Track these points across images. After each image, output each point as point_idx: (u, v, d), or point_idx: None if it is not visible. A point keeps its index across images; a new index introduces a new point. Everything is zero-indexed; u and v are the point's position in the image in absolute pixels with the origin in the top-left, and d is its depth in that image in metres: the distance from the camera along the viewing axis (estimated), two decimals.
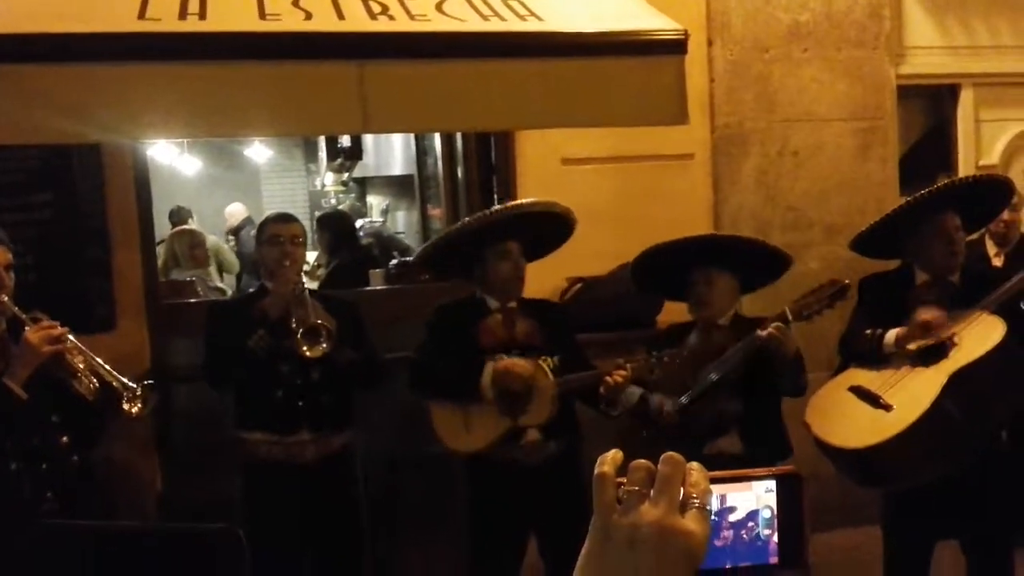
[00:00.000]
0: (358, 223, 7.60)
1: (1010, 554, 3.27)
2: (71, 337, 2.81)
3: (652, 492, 0.78)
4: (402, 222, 8.80)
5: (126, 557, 1.40)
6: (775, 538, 1.13)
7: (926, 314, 3.15)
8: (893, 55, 4.85)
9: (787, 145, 4.73)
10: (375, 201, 9.57)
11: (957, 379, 3.04)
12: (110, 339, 3.98)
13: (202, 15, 2.99)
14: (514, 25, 3.13)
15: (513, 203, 3.31)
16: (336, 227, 5.83)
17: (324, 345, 3.17)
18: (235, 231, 8.62)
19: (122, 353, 3.99)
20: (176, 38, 2.90)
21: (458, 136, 5.04)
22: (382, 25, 3.03)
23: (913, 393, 3.09)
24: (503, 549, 3.32)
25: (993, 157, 5.18)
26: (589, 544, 0.79)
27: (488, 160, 4.65)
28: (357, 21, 3.03)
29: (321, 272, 6.11)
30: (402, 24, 3.05)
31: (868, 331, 3.24)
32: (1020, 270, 3.26)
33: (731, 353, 3.19)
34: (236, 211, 8.88)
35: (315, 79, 3.00)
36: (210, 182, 10.37)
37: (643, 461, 0.80)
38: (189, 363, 4.12)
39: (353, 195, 10.25)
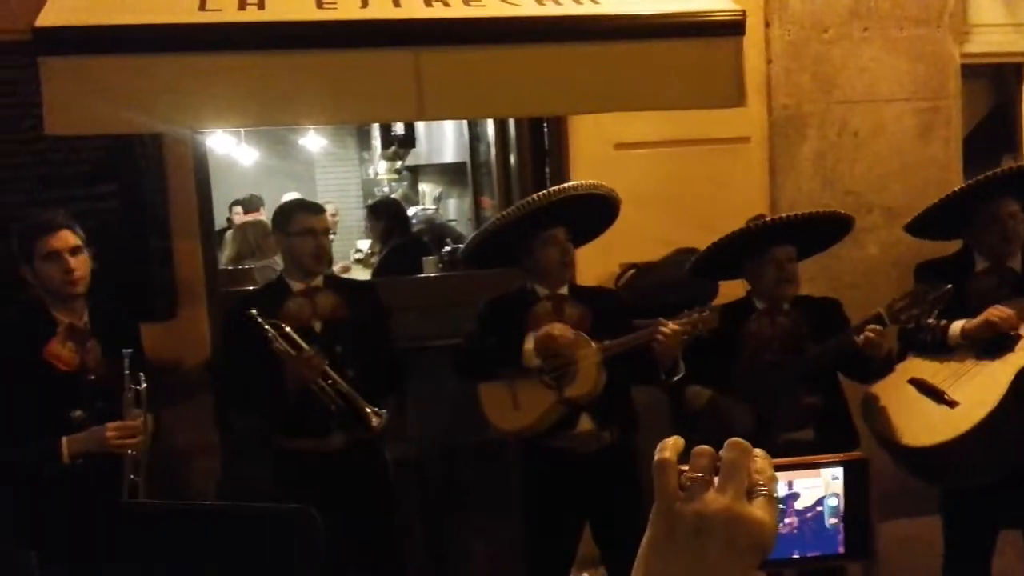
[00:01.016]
0: (410, 211, 7.64)
1: None
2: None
3: (717, 479, 0.76)
4: (454, 210, 8.82)
5: (203, 536, 1.43)
6: (842, 527, 1.10)
7: (1000, 312, 3.07)
8: (957, 33, 4.72)
9: (846, 127, 4.63)
10: (427, 189, 9.61)
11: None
12: (172, 327, 4.06)
13: (261, 5, 3.03)
14: (569, 9, 3.12)
15: (555, 188, 3.27)
16: (389, 215, 5.87)
17: (373, 423, 3.17)
18: None
19: (184, 341, 4.09)
20: (236, 28, 2.94)
21: (511, 123, 5.03)
22: (437, 12, 3.04)
23: (978, 389, 3.01)
24: (557, 537, 3.32)
25: None
26: (651, 532, 0.77)
27: (541, 146, 4.63)
28: (413, 8, 3.04)
29: (375, 260, 6.16)
30: (457, 10, 3.05)
31: (932, 321, 3.16)
32: None
33: (823, 349, 3.13)
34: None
35: (371, 67, 3.02)
36: (266, 171, 10.50)
37: (706, 447, 0.78)
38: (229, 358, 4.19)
39: (406, 183, 10.30)
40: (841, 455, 1.09)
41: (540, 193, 3.26)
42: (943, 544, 3.33)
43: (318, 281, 3.34)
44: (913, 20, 4.63)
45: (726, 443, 0.77)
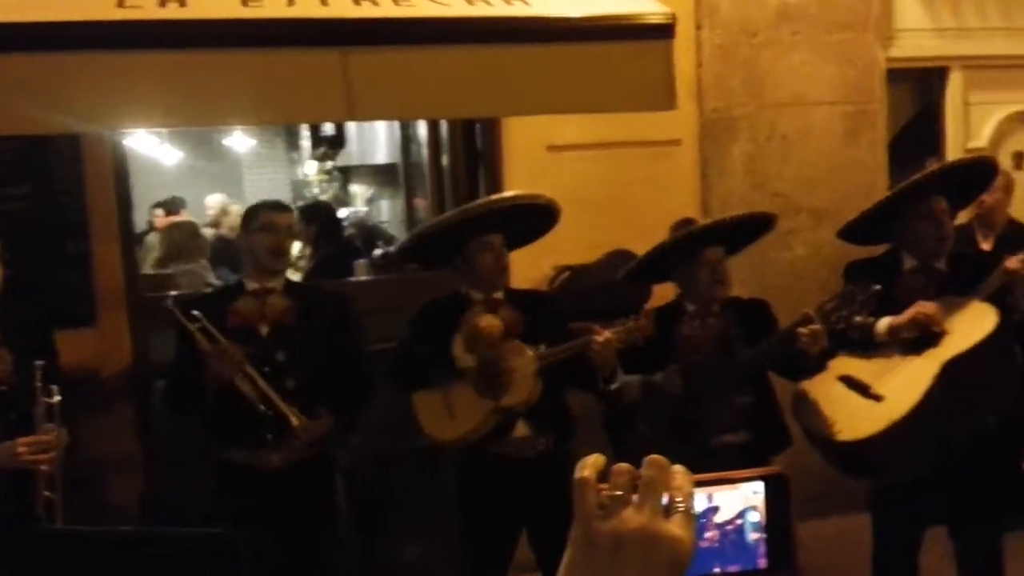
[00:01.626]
0: (342, 212, 7.53)
1: (998, 539, 3.27)
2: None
3: (636, 497, 0.76)
4: (386, 211, 8.74)
5: (117, 563, 1.36)
6: (763, 541, 1.08)
7: (925, 308, 3.12)
8: (882, 38, 4.82)
9: (775, 130, 4.70)
10: (359, 190, 9.50)
11: (949, 367, 3.02)
12: (90, 334, 3.92)
13: (182, 2, 2.94)
14: (500, 10, 3.09)
15: (494, 197, 3.25)
16: (320, 218, 5.76)
17: (294, 424, 3.05)
18: (216, 223, 8.52)
19: (104, 349, 3.95)
20: (156, 26, 2.85)
21: (443, 124, 4.99)
22: (366, 11, 2.98)
23: (904, 383, 3.07)
24: (493, 544, 3.29)
25: (981, 140, 5.17)
26: (570, 551, 0.76)
27: (474, 148, 4.60)
28: (341, 7, 2.98)
29: (304, 264, 6.05)
30: (387, 10, 3.00)
31: (859, 318, 3.20)
32: (1007, 253, 3.25)
33: (760, 351, 3.14)
34: (217, 202, 8.78)
35: (298, 66, 2.95)
36: (190, 173, 10.27)
37: (625, 465, 0.77)
38: (170, 358, 4.07)
39: (336, 184, 10.17)
40: (760, 470, 1.08)
41: (483, 200, 3.24)
42: (872, 542, 3.38)
43: (275, 283, 3.23)
44: (840, 24, 4.71)
45: (645, 460, 0.77)
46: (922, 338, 3.15)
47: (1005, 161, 5.18)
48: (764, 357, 3.16)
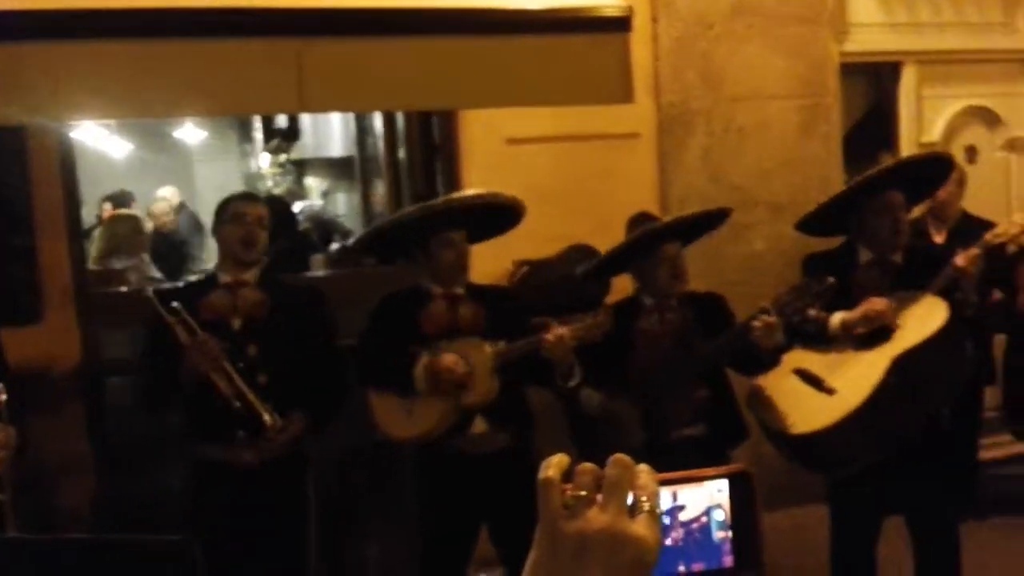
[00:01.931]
0: (297, 206, 7.44)
1: (954, 528, 3.33)
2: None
3: (600, 496, 0.75)
4: (342, 204, 8.66)
5: (75, 572, 1.31)
6: (729, 539, 1.08)
7: (877, 304, 3.16)
8: (836, 32, 4.86)
9: (732, 123, 4.71)
10: (313, 183, 9.40)
11: (900, 362, 3.06)
12: (37, 332, 3.82)
13: None
14: (457, 1, 3.06)
15: (457, 195, 3.23)
16: (274, 213, 5.66)
17: (267, 422, 3.01)
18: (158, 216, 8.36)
19: (52, 346, 3.85)
20: (103, 15, 2.81)
21: (399, 116, 4.94)
22: (320, 1, 2.93)
23: (856, 377, 3.10)
24: (453, 540, 3.27)
25: (934, 134, 5.25)
26: (535, 553, 0.76)
27: (431, 141, 4.56)
28: None
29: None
30: (341, 0, 2.95)
31: (813, 312, 3.22)
32: (960, 247, 3.29)
33: (718, 346, 3.15)
34: (168, 195, 8.61)
35: (250, 57, 2.91)
36: (140, 165, 10.05)
37: (589, 464, 0.77)
38: (121, 355, 3.99)
39: (290, 177, 10.04)
40: (724, 468, 1.07)
41: (444, 198, 3.22)
42: (830, 532, 3.41)
43: (249, 276, 3.19)
44: (795, 18, 4.74)
45: (609, 460, 0.76)
46: (875, 332, 3.19)
47: (958, 155, 5.25)
48: (721, 351, 3.17)
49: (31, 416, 3.14)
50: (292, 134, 7.41)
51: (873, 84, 5.41)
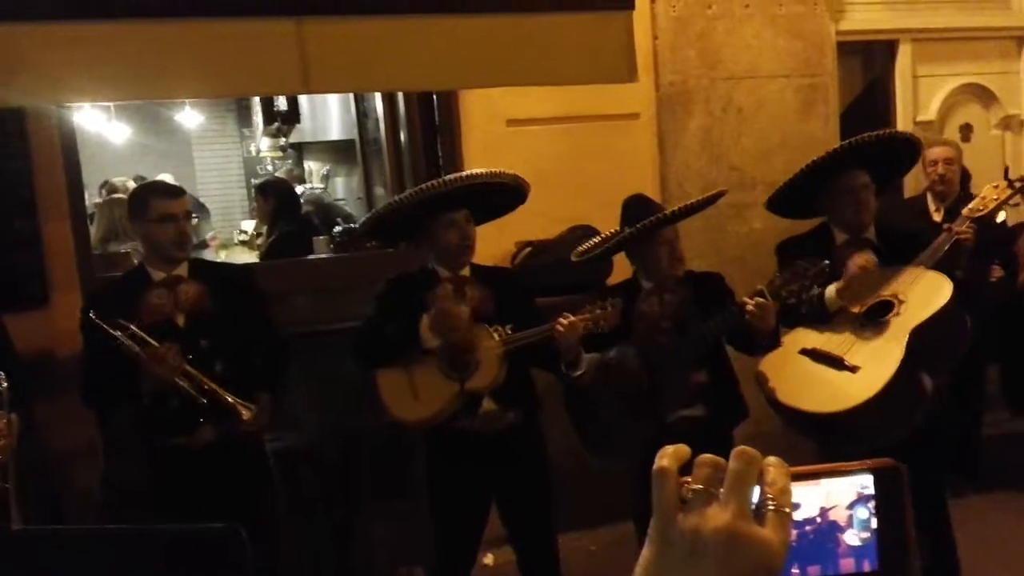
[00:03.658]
0: (297, 189, 7.43)
1: (944, 505, 3.37)
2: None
3: (721, 492, 0.68)
4: (341, 188, 8.64)
5: (119, 563, 1.32)
6: (873, 541, 0.90)
7: (859, 259, 3.19)
8: (833, 11, 4.87)
9: (731, 103, 4.73)
10: (314, 167, 9.38)
11: (916, 335, 3.09)
12: (43, 316, 3.83)
13: None
14: None
15: (458, 175, 3.20)
16: (277, 195, 5.68)
17: (244, 416, 3.03)
18: None
19: (57, 330, 3.86)
20: None
21: (400, 98, 4.94)
22: None
23: (876, 352, 3.11)
24: (466, 519, 3.28)
25: (930, 113, 5.27)
26: (647, 549, 0.69)
27: (432, 122, 4.55)
28: None
29: (261, 241, 5.96)
30: None
31: (803, 295, 3.23)
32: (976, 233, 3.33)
33: (709, 327, 3.15)
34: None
35: (252, 37, 2.91)
36: (139, 150, 10.04)
37: (710, 456, 0.70)
38: (83, 354, 3.99)
39: (290, 161, 10.02)
40: (869, 462, 0.86)
41: (443, 178, 3.19)
42: None
43: (181, 269, 3.16)
44: None
45: (733, 452, 0.70)
46: (878, 309, 3.21)
47: (953, 133, 5.28)
48: (715, 333, 3.18)
49: (37, 400, 3.17)
50: (292, 117, 7.38)
51: (869, 63, 5.42)
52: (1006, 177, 3.67)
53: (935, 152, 4.43)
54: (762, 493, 0.69)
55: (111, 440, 3.91)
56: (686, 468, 0.70)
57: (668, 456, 0.70)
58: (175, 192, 3.24)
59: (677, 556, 0.67)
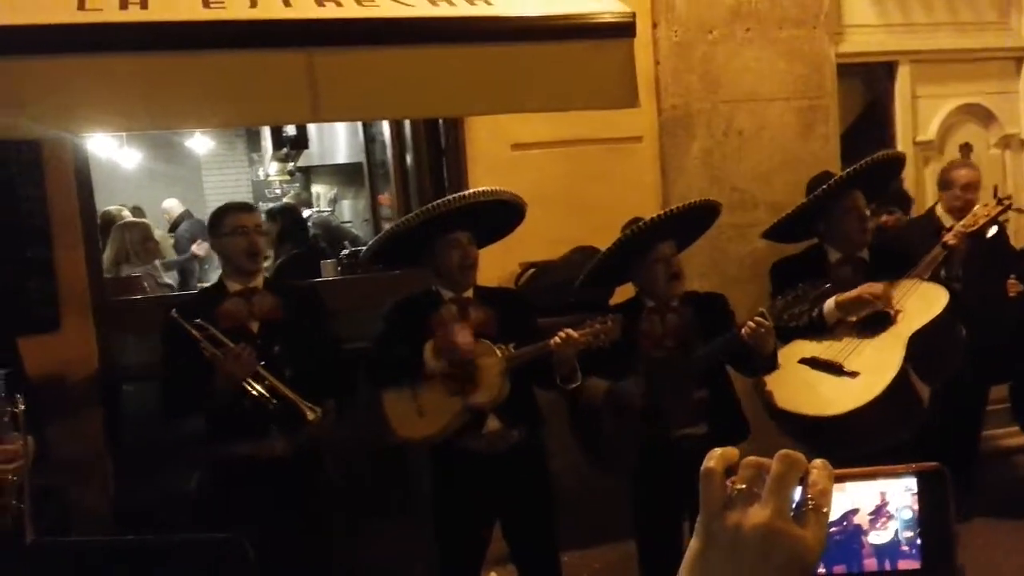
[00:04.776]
0: (304, 213, 7.51)
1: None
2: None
3: (763, 492, 0.72)
4: (348, 211, 8.72)
5: (127, 572, 1.36)
6: (919, 542, 0.91)
7: (875, 287, 3.26)
8: (832, 33, 4.93)
9: (732, 126, 4.78)
10: (321, 190, 9.47)
11: (912, 343, 3.16)
12: (55, 340, 3.89)
13: (143, 4, 2.93)
14: (463, 10, 3.12)
15: (458, 195, 3.27)
16: (285, 218, 5.76)
17: (309, 417, 3.12)
18: (173, 226, 8.45)
19: (69, 354, 3.92)
20: (117, 29, 2.83)
21: (407, 123, 5.01)
22: (330, 12, 3.00)
23: (873, 359, 3.19)
24: (469, 538, 3.32)
25: (930, 133, 5.31)
26: (694, 543, 0.74)
27: (438, 146, 4.62)
28: (304, 8, 3.00)
29: (268, 264, 6.03)
30: (350, 10, 3.02)
31: (801, 309, 3.28)
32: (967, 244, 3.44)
33: (711, 350, 3.20)
34: (173, 206, 8.70)
35: (262, 68, 2.96)
36: (150, 175, 10.16)
37: (754, 458, 0.74)
38: (138, 362, 4.06)
39: (298, 184, 10.12)
40: (914, 465, 0.86)
41: (445, 199, 3.25)
42: None
43: (257, 282, 3.33)
44: (791, 21, 4.81)
45: (776, 454, 0.74)
46: (874, 318, 3.29)
47: (953, 152, 5.33)
48: (714, 356, 3.23)
49: (49, 423, 3.21)
50: (301, 142, 7.47)
51: (869, 84, 5.47)
52: (995, 195, 3.79)
53: (962, 175, 4.41)
54: (803, 493, 0.73)
55: (125, 461, 3.96)
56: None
57: (716, 458, 0.75)
58: (247, 207, 3.48)
59: (720, 549, 0.72)
